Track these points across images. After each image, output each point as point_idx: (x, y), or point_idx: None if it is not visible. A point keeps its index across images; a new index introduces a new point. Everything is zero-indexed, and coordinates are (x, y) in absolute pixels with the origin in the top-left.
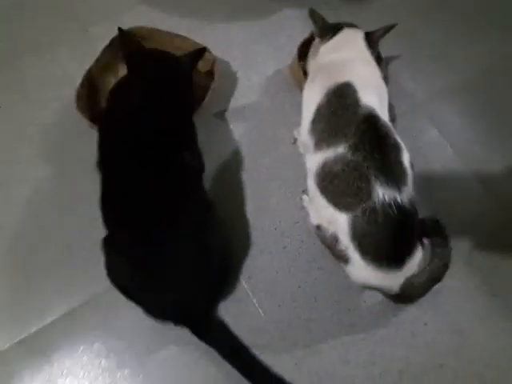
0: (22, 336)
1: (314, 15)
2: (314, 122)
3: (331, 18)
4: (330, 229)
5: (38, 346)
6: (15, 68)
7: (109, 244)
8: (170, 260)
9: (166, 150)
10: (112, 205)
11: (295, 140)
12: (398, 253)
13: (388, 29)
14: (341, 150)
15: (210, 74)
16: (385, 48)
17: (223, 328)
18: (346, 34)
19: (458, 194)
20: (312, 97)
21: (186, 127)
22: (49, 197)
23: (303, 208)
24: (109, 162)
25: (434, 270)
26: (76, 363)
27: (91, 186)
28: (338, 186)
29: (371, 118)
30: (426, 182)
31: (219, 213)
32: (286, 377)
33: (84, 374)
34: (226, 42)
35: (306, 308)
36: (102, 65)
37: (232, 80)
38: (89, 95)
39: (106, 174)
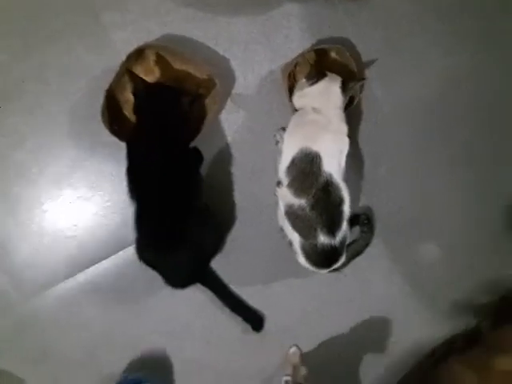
0: None
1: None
2: (289, 168)
3: (328, 16)
4: (288, 235)
5: None
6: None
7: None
8: (184, 239)
9: (176, 170)
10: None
11: (277, 142)
12: (328, 264)
13: (360, 80)
14: (303, 202)
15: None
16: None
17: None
18: (326, 83)
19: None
20: (291, 147)
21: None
22: None
23: None
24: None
25: (358, 247)
26: None
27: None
28: (297, 222)
29: (328, 186)
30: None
31: (212, 199)
32: None
33: None
34: (227, 38)
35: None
36: (121, 79)
37: (230, 79)
38: (110, 110)
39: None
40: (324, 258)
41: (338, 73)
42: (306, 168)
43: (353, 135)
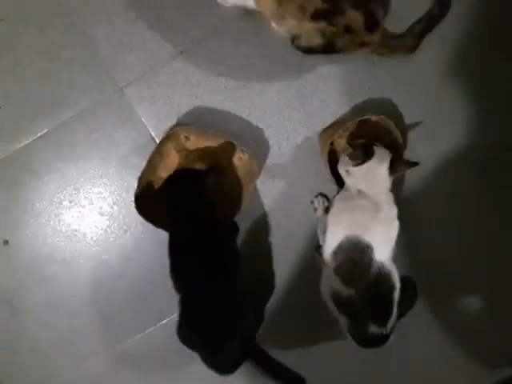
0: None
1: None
2: (336, 253)
3: (367, 76)
4: (334, 314)
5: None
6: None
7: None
8: (228, 333)
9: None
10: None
11: (315, 209)
12: (376, 346)
13: (412, 165)
14: (351, 293)
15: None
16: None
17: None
18: (372, 164)
19: None
20: (337, 233)
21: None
22: None
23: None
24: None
25: (403, 313)
26: None
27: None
28: (344, 309)
29: (379, 277)
30: None
31: (251, 270)
32: None
33: None
34: (260, 107)
35: None
36: (152, 166)
37: (264, 149)
38: (144, 197)
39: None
40: (373, 343)
41: (380, 139)
42: (356, 258)
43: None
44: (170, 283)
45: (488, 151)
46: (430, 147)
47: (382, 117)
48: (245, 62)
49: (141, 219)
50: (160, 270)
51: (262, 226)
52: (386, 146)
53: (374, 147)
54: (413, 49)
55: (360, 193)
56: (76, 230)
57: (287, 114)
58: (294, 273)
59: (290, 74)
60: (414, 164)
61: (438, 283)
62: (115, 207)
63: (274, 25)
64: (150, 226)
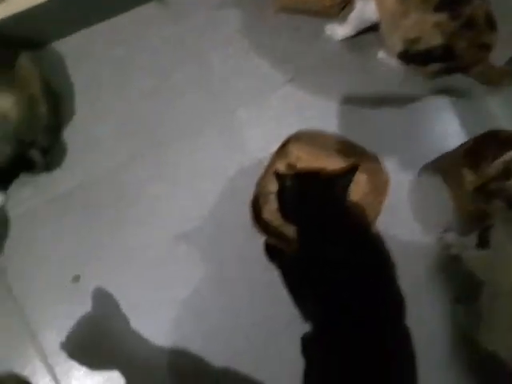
0: None
1: None
2: None
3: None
4: None
5: None
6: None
7: None
8: None
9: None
10: None
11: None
12: None
13: None
14: None
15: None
16: None
17: None
18: None
19: None
20: None
21: None
22: None
23: None
24: None
25: None
26: None
27: None
28: None
29: None
30: None
31: None
32: None
33: None
34: (371, 132)
35: None
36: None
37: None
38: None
39: None
40: None
41: None
42: None
43: None
44: None
45: None
46: None
47: None
48: (353, 91)
49: None
50: None
51: None
52: None
53: None
54: None
55: None
56: None
57: (400, 142)
58: None
59: (398, 103)
60: None
61: None
62: None
63: (381, 54)
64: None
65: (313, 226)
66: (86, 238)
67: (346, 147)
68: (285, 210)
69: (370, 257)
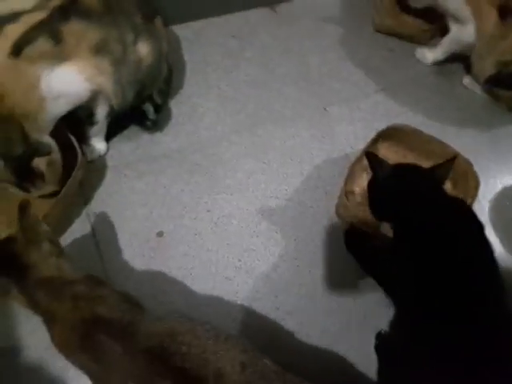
0: None
1: None
2: None
3: None
4: None
5: None
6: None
7: None
8: None
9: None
10: None
11: None
12: None
13: None
14: None
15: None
16: None
17: None
18: None
19: None
20: None
21: None
22: None
23: None
24: None
25: None
26: None
27: None
28: None
29: None
30: None
31: None
32: None
33: None
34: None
35: None
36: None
37: None
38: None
39: None
40: None
41: None
42: None
43: None
44: None
45: None
46: None
47: None
48: (438, 108)
49: None
50: None
51: None
52: None
53: None
54: None
55: None
56: None
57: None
58: None
59: (481, 126)
60: None
61: None
62: None
63: (467, 80)
64: None
65: (414, 218)
66: (175, 199)
67: (437, 148)
68: (378, 201)
69: (477, 252)
